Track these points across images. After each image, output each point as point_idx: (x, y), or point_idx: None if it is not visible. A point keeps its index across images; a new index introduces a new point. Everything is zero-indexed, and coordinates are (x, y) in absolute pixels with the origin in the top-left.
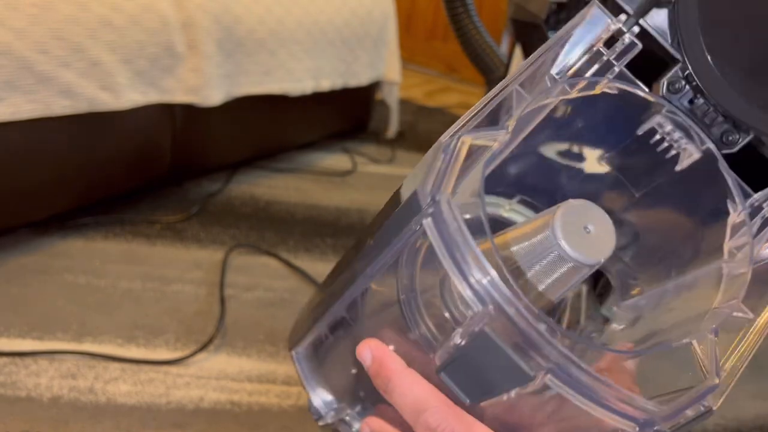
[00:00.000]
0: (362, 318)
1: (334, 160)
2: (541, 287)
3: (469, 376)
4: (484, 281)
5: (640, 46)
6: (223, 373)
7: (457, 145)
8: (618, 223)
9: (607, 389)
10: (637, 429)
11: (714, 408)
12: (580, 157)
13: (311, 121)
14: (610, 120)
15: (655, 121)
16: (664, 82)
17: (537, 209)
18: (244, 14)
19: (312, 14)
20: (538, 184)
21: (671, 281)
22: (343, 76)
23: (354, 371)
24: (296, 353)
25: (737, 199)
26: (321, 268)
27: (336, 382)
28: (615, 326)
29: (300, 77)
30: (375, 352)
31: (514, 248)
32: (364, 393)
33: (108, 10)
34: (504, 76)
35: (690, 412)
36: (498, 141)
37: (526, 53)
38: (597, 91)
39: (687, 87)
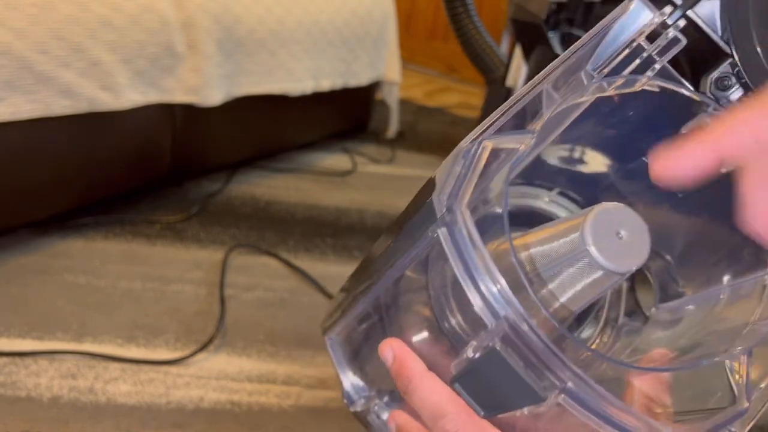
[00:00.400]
0: (389, 313)
1: (334, 160)
2: (564, 296)
3: (482, 389)
4: (498, 296)
5: (684, 41)
6: (223, 373)
7: (478, 150)
8: (661, 221)
9: (623, 412)
10: None
11: None
12: (621, 152)
13: (311, 121)
14: (654, 117)
15: (700, 119)
16: (712, 78)
17: (578, 202)
18: (244, 14)
19: (312, 14)
20: (579, 177)
21: (715, 288)
22: (343, 76)
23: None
24: (329, 339)
25: None
26: (321, 268)
27: (366, 370)
28: (654, 327)
29: (300, 77)
30: (397, 352)
31: (539, 249)
32: (393, 384)
33: (108, 10)
34: (504, 76)
35: None
36: (524, 144)
37: (526, 53)
38: (637, 88)
39: (737, 84)
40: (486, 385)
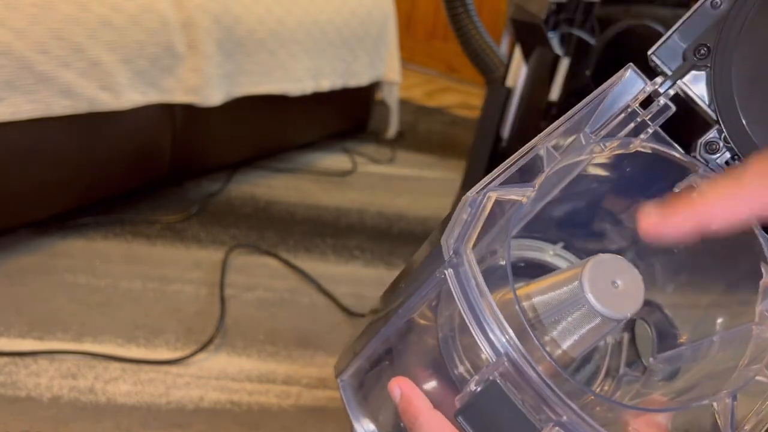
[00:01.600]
0: (398, 352)
1: (334, 160)
2: (565, 342)
3: (484, 422)
4: (499, 333)
5: (673, 108)
6: (223, 373)
7: (483, 200)
8: (656, 272)
9: None
10: None
11: None
12: (618, 207)
13: (311, 121)
14: (648, 175)
15: (691, 179)
16: (701, 142)
17: (581, 256)
18: (244, 14)
19: (312, 14)
20: (579, 231)
21: (709, 337)
22: (343, 76)
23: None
24: (341, 381)
25: None
26: (321, 268)
27: (378, 412)
28: (652, 377)
29: (300, 77)
30: (404, 390)
31: (541, 299)
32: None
33: (108, 10)
34: (504, 76)
35: None
36: (525, 197)
37: (526, 53)
38: (631, 150)
39: (724, 148)
40: (487, 418)
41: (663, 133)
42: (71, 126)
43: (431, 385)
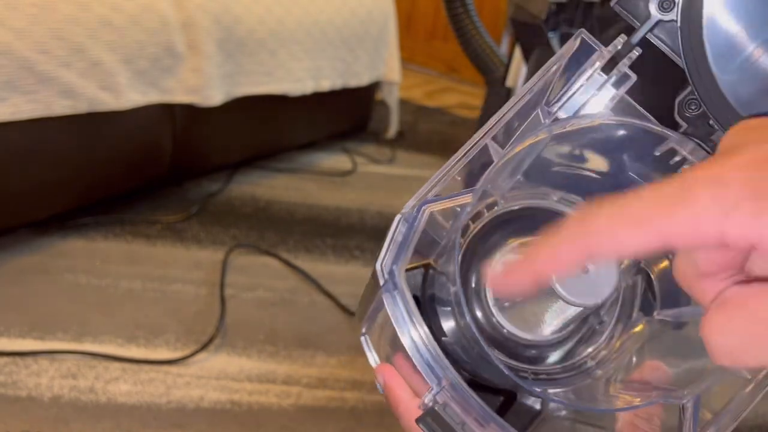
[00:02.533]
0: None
1: (334, 160)
2: (544, 322)
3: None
4: (436, 361)
5: (634, 77)
6: (223, 372)
7: (418, 216)
8: None
9: None
10: None
11: None
12: (605, 167)
13: (311, 121)
14: (625, 141)
15: (671, 143)
16: (678, 101)
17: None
18: (244, 14)
19: (312, 14)
20: (570, 188)
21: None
22: (343, 76)
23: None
24: (365, 339)
25: None
26: (321, 268)
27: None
28: (659, 328)
29: (300, 77)
30: (386, 379)
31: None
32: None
33: (108, 10)
34: (504, 77)
35: None
36: (469, 201)
37: (526, 53)
38: (596, 123)
39: (702, 107)
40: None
41: (630, 100)
42: (71, 126)
43: (412, 372)
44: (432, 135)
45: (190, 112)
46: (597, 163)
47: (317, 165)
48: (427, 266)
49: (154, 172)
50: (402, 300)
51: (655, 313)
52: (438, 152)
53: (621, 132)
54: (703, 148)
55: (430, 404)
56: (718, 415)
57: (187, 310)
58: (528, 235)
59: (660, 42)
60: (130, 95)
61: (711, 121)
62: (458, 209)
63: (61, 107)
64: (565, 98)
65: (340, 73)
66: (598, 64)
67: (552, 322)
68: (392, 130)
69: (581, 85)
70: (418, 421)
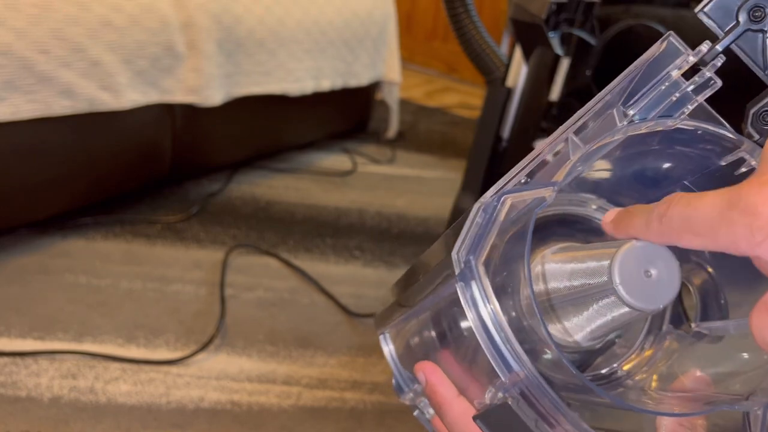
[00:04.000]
0: (429, 329)
1: (334, 160)
2: (587, 329)
3: (499, 430)
4: (510, 351)
5: (719, 83)
6: (223, 373)
7: (498, 205)
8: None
9: None
10: None
11: None
12: (660, 180)
13: (311, 121)
14: (693, 149)
15: (740, 153)
16: (753, 112)
17: None
18: (244, 14)
19: (312, 14)
20: (618, 200)
21: (743, 323)
22: (343, 76)
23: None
24: (382, 334)
25: None
26: (321, 268)
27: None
28: (694, 342)
29: (300, 77)
30: (428, 377)
31: (559, 284)
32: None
33: (108, 10)
34: (504, 76)
35: None
36: (549, 196)
37: (526, 53)
38: (671, 126)
39: None
40: (501, 428)
41: (708, 107)
42: (71, 126)
43: (457, 369)
44: (432, 135)
45: (190, 112)
46: (652, 169)
47: (317, 165)
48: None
49: (154, 172)
50: (480, 289)
51: (693, 325)
52: (438, 152)
53: (692, 139)
54: None
55: (501, 398)
56: None
57: (187, 310)
58: (562, 242)
59: (740, 51)
60: (130, 95)
61: None
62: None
63: (61, 107)
64: (643, 101)
65: (340, 73)
66: (681, 68)
67: (596, 328)
68: (392, 130)
69: (661, 88)
70: (477, 417)
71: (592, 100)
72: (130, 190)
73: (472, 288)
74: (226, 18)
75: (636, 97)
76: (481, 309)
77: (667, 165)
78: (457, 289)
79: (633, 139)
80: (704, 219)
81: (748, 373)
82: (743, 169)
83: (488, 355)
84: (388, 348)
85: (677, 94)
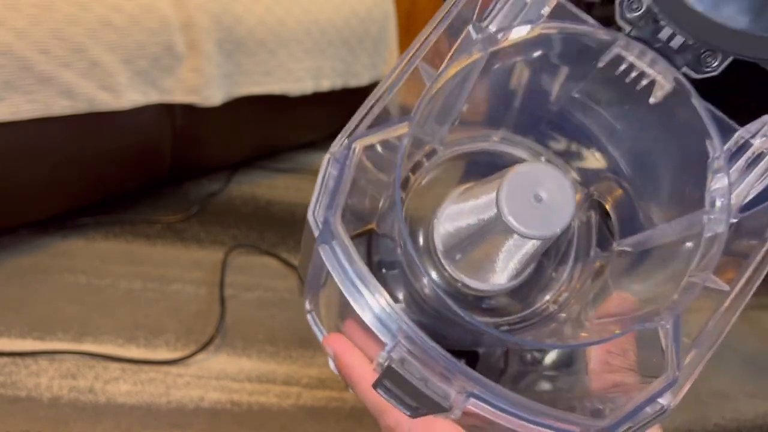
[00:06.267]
0: (330, 310)
1: None
2: (498, 267)
3: (397, 396)
4: (388, 311)
5: None
6: (223, 373)
7: (350, 154)
8: (611, 151)
9: (537, 412)
10: None
11: (671, 406)
12: (547, 92)
13: (311, 121)
14: (568, 56)
15: (614, 51)
16: (619, 2)
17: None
18: (244, 14)
19: (312, 14)
20: (517, 120)
21: (666, 223)
22: (343, 76)
23: None
24: (311, 316)
25: (714, 138)
26: None
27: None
28: (620, 262)
29: (300, 77)
30: (336, 349)
31: (464, 222)
32: None
33: (108, 10)
34: None
35: (645, 412)
36: (403, 134)
37: None
38: (534, 34)
39: (645, 4)
40: (398, 393)
41: (568, 5)
42: (71, 126)
43: (364, 337)
44: None
45: (190, 112)
46: (539, 87)
47: (317, 165)
48: (370, 232)
49: (154, 172)
50: (342, 249)
51: (614, 245)
52: None
53: (561, 45)
54: (652, 48)
55: (386, 363)
56: (698, 337)
57: (187, 310)
58: (473, 180)
59: None
60: (130, 95)
61: (658, 18)
62: (394, 156)
63: (60, 107)
64: (499, 12)
65: (340, 73)
66: None
67: (507, 266)
68: None
69: None
70: (374, 385)
71: (436, 14)
72: (130, 190)
73: (334, 249)
74: (226, 18)
75: (489, 9)
76: (347, 269)
77: (546, 78)
78: (320, 253)
79: (498, 57)
80: None
81: (663, 290)
82: (623, 67)
83: (365, 319)
84: (319, 330)
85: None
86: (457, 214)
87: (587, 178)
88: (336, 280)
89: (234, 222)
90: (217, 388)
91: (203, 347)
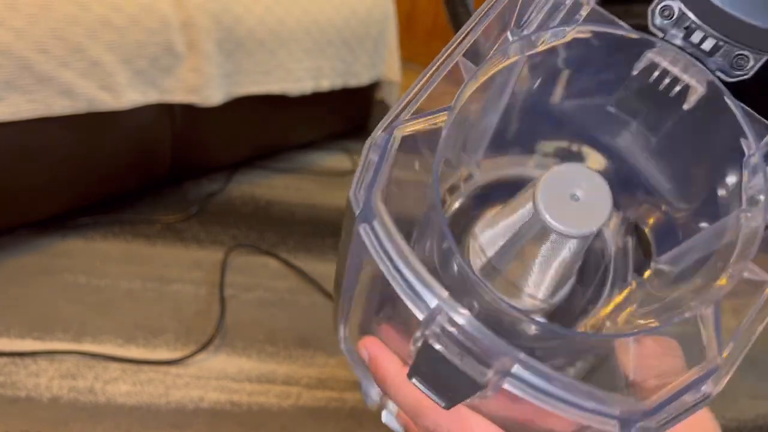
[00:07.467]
0: (366, 313)
1: (334, 160)
2: (539, 279)
3: (434, 381)
4: (423, 286)
5: None
6: (223, 373)
7: (390, 140)
8: (646, 169)
9: (576, 389)
10: (618, 427)
11: (713, 393)
12: (583, 102)
13: (311, 121)
14: (602, 63)
15: (648, 57)
16: (652, 8)
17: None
18: (244, 14)
19: (312, 14)
20: (551, 135)
21: (701, 232)
22: (343, 76)
23: None
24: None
25: (749, 136)
26: (321, 268)
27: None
28: (659, 283)
29: (300, 77)
30: (371, 352)
31: (492, 231)
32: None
33: (108, 10)
34: None
35: (685, 400)
36: (444, 122)
37: None
38: (567, 38)
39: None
40: (435, 377)
41: (602, 11)
42: (71, 126)
43: (399, 341)
44: None
45: (190, 112)
46: (573, 110)
47: (317, 165)
48: None
49: (154, 172)
50: (382, 227)
51: (652, 264)
52: None
53: (596, 52)
54: (687, 53)
55: (422, 339)
56: (737, 328)
57: (187, 310)
58: (495, 209)
59: None
60: (130, 95)
61: (689, 23)
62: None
63: (60, 107)
64: (536, 18)
65: (340, 73)
66: None
67: (544, 279)
68: None
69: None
70: (410, 373)
71: (474, 14)
72: (129, 190)
73: (375, 228)
74: (226, 18)
75: (527, 16)
76: (389, 249)
77: (583, 86)
78: (361, 232)
79: (538, 65)
80: None
81: (689, 299)
82: (656, 74)
83: (401, 294)
84: (350, 351)
85: (568, 2)
86: (493, 229)
87: (623, 201)
88: (374, 258)
89: (234, 222)
90: (216, 389)
91: (203, 347)
